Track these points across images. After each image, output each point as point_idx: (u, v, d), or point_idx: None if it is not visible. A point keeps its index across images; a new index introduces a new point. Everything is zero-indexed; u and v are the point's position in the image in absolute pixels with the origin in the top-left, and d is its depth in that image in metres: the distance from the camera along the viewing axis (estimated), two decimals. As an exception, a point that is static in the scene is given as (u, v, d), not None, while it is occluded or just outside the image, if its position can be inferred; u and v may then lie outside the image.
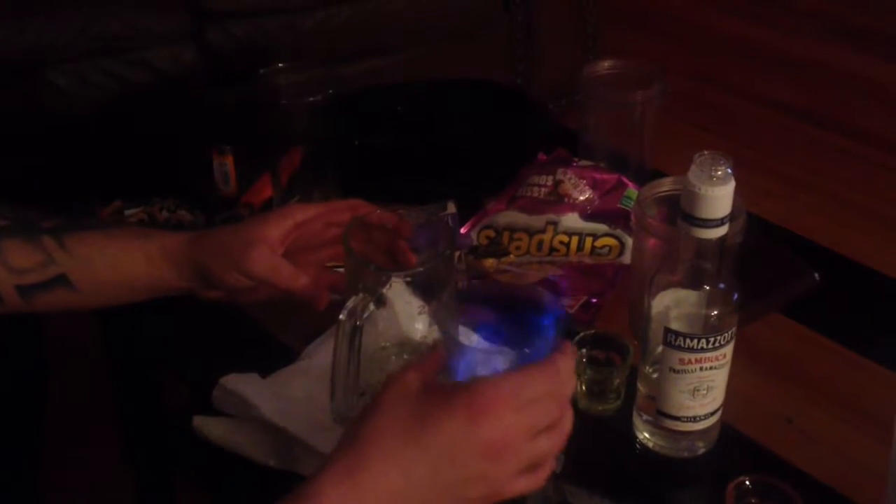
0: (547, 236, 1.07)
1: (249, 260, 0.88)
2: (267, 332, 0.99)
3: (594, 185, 1.09)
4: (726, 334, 0.79)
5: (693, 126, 2.26)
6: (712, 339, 0.78)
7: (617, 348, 0.90)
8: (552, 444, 0.66)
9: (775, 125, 2.36)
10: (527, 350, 0.68)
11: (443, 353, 0.70)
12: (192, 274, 0.90)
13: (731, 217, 0.76)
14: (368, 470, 0.62)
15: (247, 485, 0.86)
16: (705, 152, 0.74)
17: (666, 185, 0.93)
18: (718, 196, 0.73)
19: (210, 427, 0.87)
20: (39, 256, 0.86)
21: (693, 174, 0.74)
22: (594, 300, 1.00)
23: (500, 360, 0.69)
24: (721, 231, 0.75)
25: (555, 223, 1.07)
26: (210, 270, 0.89)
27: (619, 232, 1.06)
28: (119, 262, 0.89)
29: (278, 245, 0.90)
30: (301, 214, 0.91)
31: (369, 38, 1.94)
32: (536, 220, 1.08)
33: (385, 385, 0.66)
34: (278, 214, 0.92)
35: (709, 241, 0.75)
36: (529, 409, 0.64)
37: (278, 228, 0.89)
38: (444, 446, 0.62)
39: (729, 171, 0.73)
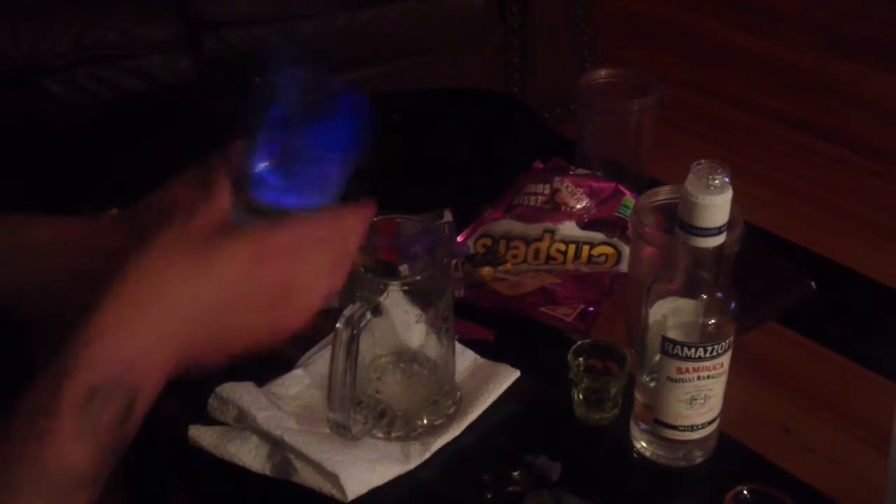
0: (544, 245, 1.06)
1: None
2: (263, 341, 0.99)
3: (591, 194, 1.09)
4: (724, 343, 0.79)
5: (689, 135, 2.26)
6: (710, 349, 0.78)
7: (614, 357, 0.90)
8: (327, 286, 0.70)
9: (770, 134, 2.37)
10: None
11: (224, 198, 0.70)
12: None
13: (729, 226, 0.76)
14: (159, 298, 0.62)
15: (242, 494, 0.85)
16: (702, 161, 0.74)
17: (663, 194, 0.93)
18: (715, 205, 0.73)
19: (205, 436, 0.86)
20: None
21: (690, 183, 0.74)
22: (591, 309, 1.00)
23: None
24: (718, 240, 0.75)
25: (552, 231, 1.07)
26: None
27: (615, 240, 1.06)
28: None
29: None
30: None
31: (365, 46, 1.94)
32: (533, 229, 1.08)
33: (162, 225, 0.65)
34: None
35: (706, 249, 0.75)
36: (307, 254, 0.68)
37: None
38: (233, 279, 0.64)
39: (726, 179, 0.73)
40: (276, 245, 0.67)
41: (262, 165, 0.77)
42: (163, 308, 0.62)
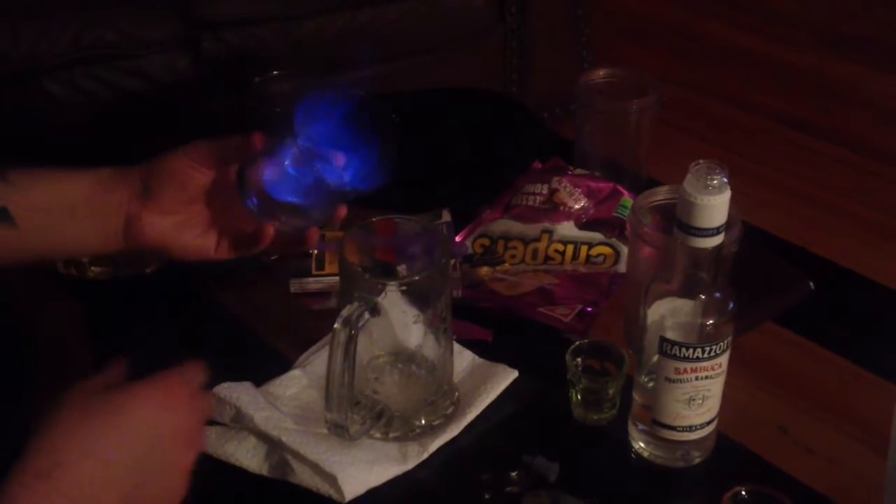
0: (542, 245, 1.06)
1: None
2: (261, 341, 0.99)
3: (589, 194, 1.08)
4: (722, 344, 0.79)
5: (687, 135, 2.26)
6: (708, 349, 0.78)
7: (612, 358, 0.90)
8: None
9: (769, 134, 2.37)
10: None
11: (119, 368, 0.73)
12: (142, 190, 0.89)
13: (727, 226, 0.76)
14: (62, 465, 0.63)
15: (240, 495, 0.85)
16: (701, 161, 0.74)
17: (661, 194, 0.92)
18: (714, 205, 0.73)
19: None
20: None
21: (689, 183, 0.74)
22: (589, 309, 0.99)
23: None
24: (717, 240, 0.75)
25: (550, 232, 1.07)
26: (161, 193, 0.89)
27: (614, 241, 1.06)
28: (61, 183, 0.87)
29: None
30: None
31: (364, 46, 1.94)
32: (531, 229, 1.07)
33: (63, 399, 0.68)
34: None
35: (704, 250, 0.75)
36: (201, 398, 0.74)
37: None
38: (143, 431, 0.67)
39: (724, 179, 0.73)
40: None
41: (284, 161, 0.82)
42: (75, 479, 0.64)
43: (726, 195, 0.73)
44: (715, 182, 0.73)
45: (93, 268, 1.08)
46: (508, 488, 0.83)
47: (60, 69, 1.74)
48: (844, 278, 1.09)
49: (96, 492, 0.64)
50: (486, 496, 0.82)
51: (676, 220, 0.75)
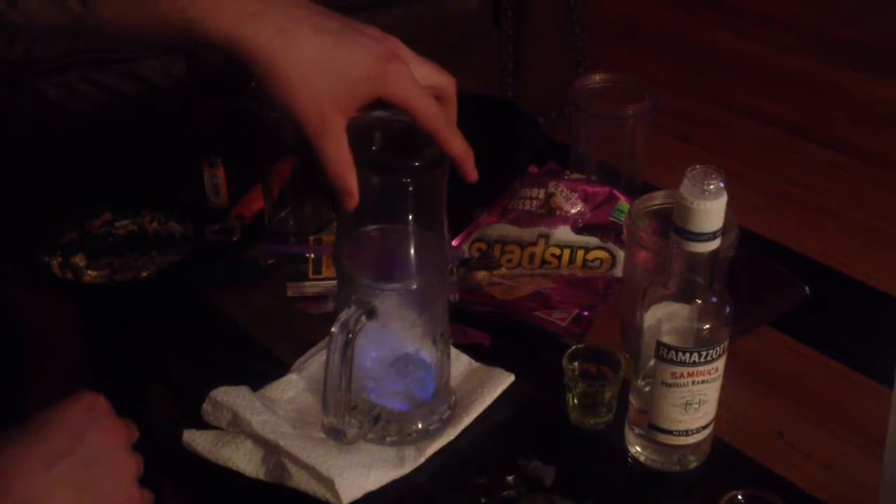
0: (538, 249, 1.07)
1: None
2: (258, 345, 0.99)
3: (585, 198, 1.09)
4: (718, 348, 0.79)
5: (681, 140, 2.26)
6: (704, 353, 0.78)
7: (609, 362, 0.90)
8: None
9: (764, 139, 2.37)
10: None
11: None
12: None
13: (723, 231, 0.76)
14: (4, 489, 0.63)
15: (237, 499, 0.85)
16: (697, 166, 0.74)
17: (658, 199, 0.93)
18: (710, 210, 0.73)
19: (199, 441, 0.86)
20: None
21: (685, 188, 0.74)
22: (585, 313, 1.00)
23: None
24: (713, 245, 0.75)
25: (546, 236, 1.07)
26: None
27: (610, 245, 1.06)
28: None
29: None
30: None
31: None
32: (528, 233, 1.08)
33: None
34: None
35: (701, 254, 0.75)
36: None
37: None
38: (71, 440, 0.66)
39: (721, 184, 0.73)
40: None
41: None
42: None
43: (723, 200, 0.74)
44: (711, 187, 0.73)
45: (89, 272, 1.08)
46: (504, 492, 0.83)
47: (56, 72, 1.73)
48: (839, 282, 1.09)
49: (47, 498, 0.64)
50: (483, 500, 0.82)
51: (673, 224, 0.76)
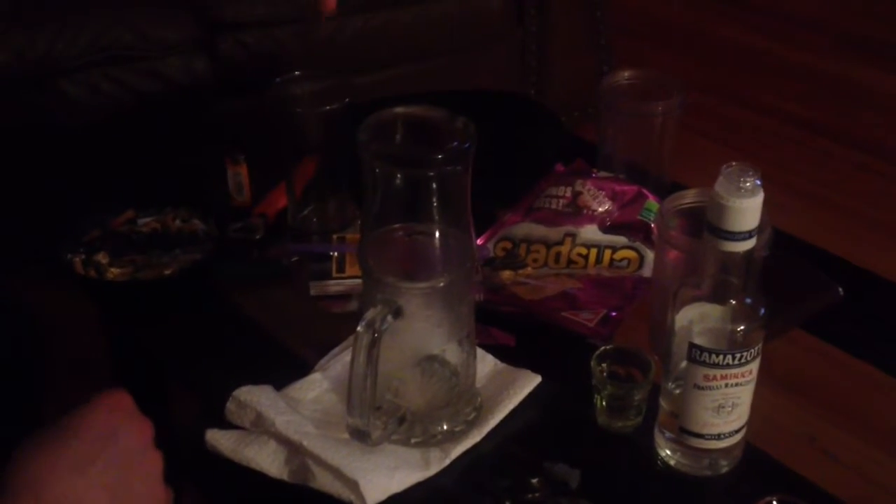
0: (565, 248, 1.05)
1: None
2: (280, 344, 0.98)
3: (613, 197, 1.07)
4: (753, 350, 0.77)
5: (706, 138, 2.24)
6: (738, 356, 0.76)
7: (638, 364, 0.88)
8: None
9: (788, 138, 2.35)
10: None
11: None
12: None
13: (758, 230, 0.74)
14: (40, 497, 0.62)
15: (260, 500, 0.84)
16: (733, 164, 0.73)
17: (688, 198, 0.91)
18: (747, 208, 0.72)
19: (223, 441, 0.85)
20: None
21: (720, 186, 0.72)
22: (613, 314, 0.98)
23: None
24: (748, 244, 0.73)
25: (573, 235, 1.05)
26: None
27: (638, 244, 1.04)
28: None
29: None
30: None
31: (382, 48, 1.93)
32: (554, 232, 1.06)
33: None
34: None
35: (736, 254, 0.74)
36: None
37: None
38: (100, 439, 0.65)
39: (757, 182, 0.72)
40: None
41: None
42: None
43: (759, 198, 0.72)
44: (748, 184, 0.71)
45: (112, 269, 1.07)
46: (529, 495, 0.81)
47: (77, 70, 1.74)
48: (871, 284, 1.07)
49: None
50: (507, 503, 0.81)
51: (707, 223, 0.74)
